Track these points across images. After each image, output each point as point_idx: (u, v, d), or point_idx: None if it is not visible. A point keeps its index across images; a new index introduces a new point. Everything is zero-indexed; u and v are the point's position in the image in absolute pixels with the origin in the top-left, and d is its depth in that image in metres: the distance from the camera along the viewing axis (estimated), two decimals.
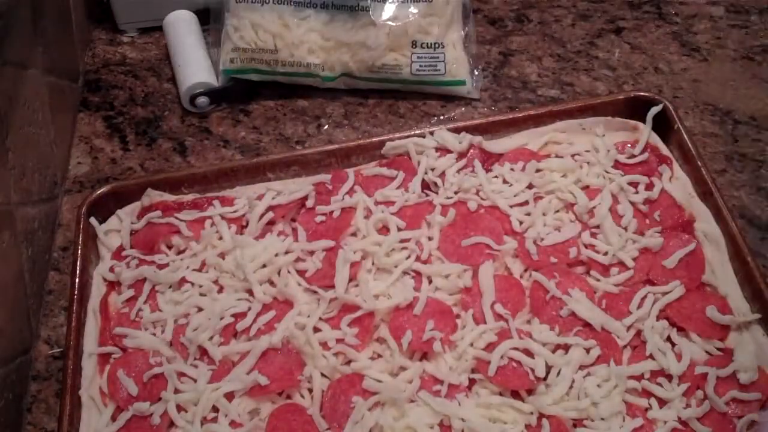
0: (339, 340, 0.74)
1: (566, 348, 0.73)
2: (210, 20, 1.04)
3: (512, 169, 0.86)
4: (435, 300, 0.77)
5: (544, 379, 0.72)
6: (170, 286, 0.80)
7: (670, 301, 0.76)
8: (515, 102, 1.01)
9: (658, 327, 0.74)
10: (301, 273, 0.80)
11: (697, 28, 1.08)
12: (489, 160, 0.88)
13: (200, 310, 0.78)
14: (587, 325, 0.74)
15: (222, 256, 0.81)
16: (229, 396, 0.72)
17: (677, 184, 0.84)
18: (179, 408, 0.72)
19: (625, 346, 0.74)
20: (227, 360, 0.75)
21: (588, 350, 0.73)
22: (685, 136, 0.86)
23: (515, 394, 0.72)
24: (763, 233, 0.86)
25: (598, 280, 0.78)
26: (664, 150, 0.87)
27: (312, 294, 0.78)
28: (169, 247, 0.84)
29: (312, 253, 0.81)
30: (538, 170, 0.86)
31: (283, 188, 0.86)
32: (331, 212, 0.84)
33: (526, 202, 0.84)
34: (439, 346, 0.73)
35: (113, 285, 0.81)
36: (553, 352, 0.73)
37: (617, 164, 0.86)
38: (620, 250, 0.79)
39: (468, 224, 0.82)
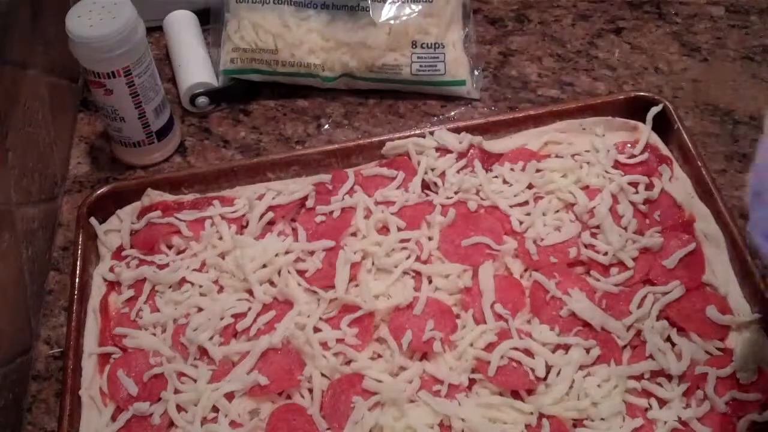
0: (339, 340, 0.75)
1: (566, 348, 0.74)
2: (210, 20, 1.04)
3: (512, 169, 0.86)
4: (435, 300, 0.77)
5: (544, 379, 0.72)
6: (170, 286, 0.80)
7: (670, 301, 0.76)
8: (515, 102, 1.01)
9: (658, 327, 0.74)
10: (301, 273, 0.80)
11: (697, 28, 1.08)
12: (489, 160, 0.88)
13: (200, 310, 0.78)
14: (587, 325, 0.74)
15: (222, 256, 0.81)
16: (229, 396, 0.72)
17: (677, 184, 0.84)
18: (179, 408, 0.72)
19: (625, 346, 0.74)
20: (227, 360, 0.75)
21: (588, 350, 0.73)
22: (685, 136, 0.86)
23: (515, 394, 0.72)
24: None
25: (598, 280, 0.78)
26: (664, 150, 0.87)
27: (312, 294, 0.78)
28: (169, 247, 0.84)
29: (312, 253, 0.81)
30: (538, 170, 0.86)
31: (283, 188, 0.86)
32: (331, 212, 0.84)
33: (526, 202, 0.84)
34: (439, 346, 0.73)
35: (113, 285, 0.81)
36: (553, 352, 0.73)
37: (617, 164, 0.86)
38: (620, 250, 0.79)
39: (468, 224, 0.82)
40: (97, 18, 0.84)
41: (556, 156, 0.87)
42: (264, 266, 0.80)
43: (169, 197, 0.86)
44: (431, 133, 0.89)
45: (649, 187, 0.84)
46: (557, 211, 0.84)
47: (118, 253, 0.83)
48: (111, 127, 0.93)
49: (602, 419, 0.69)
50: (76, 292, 0.78)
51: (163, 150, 0.96)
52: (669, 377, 0.71)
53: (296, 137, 0.99)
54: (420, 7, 0.97)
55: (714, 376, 0.70)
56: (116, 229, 0.85)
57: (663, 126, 0.88)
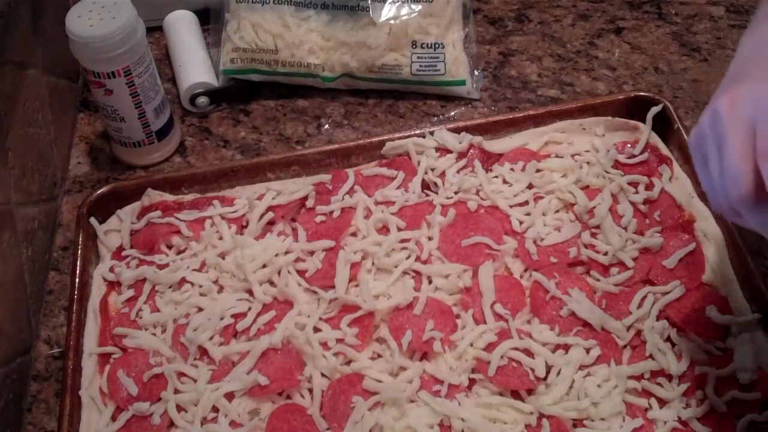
0: (339, 340, 0.75)
1: (566, 348, 0.73)
2: (210, 20, 1.04)
3: (512, 169, 0.86)
4: (435, 300, 0.77)
5: (544, 379, 0.72)
6: (170, 286, 0.80)
7: (670, 301, 0.76)
8: (515, 102, 1.01)
9: (658, 327, 0.74)
10: (301, 273, 0.80)
11: (697, 28, 1.08)
12: (489, 160, 0.88)
13: (200, 310, 0.78)
14: (587, 325, 0.74)
15: (222, 256, 0.81)
16: (229, 396, 0.72)
17: (677, 184, 0.84)
18: (179, 408, 0.72)
19: (625, 346, 0.74)
20: (227, 360, 0.75)
21: (588, 350, 0.73)
22: (685, 136, 0.86)
23: (515, 394, 0.72)
24: None
25: (598, 280, 0.78)
26: (664, 150, 0.87)
27: (312, 294, 0.78)
28: (169, 247, 0.84)
29: (312, 253, 0.81)
30: (538, 170, 0.86)
31: (283, 188, 0.86)
32: (331, 212, 0.84)
33: (526, 202, 0.84)
34: (439, 346, 0.73)
35: (113, 285, 0.81)
36: (553, 352, 0.73)
37: (617, 164, 0.86)
38: (620, 250, 0.79)
39: (468, 224, 0.82)
40: (97, 18, 0.84)
41: (556, 156, 0.87)
42: (264, 266, 0.80)
43: (169, 197, 0.86)
44: (431, 133, 0.89)
45: (649, 187, 0.84)
46: (557, 211, 0.84)
47: (118, 253, 0.83)
48: (111, 127, 0.93)
49: (602, 419, 0.69)
50: (76, 292, 0.78)
51: (163, 150, 0.96)
52: (669, 377, 0.71)
53: (296, 137, 0.99)
54: (420, 7, 0.97)
55: (714, 376, 0.70)
56: (116, 229, 0.85)
57: (663, 126, 0.88)
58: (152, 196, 0.86)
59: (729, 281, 0.77)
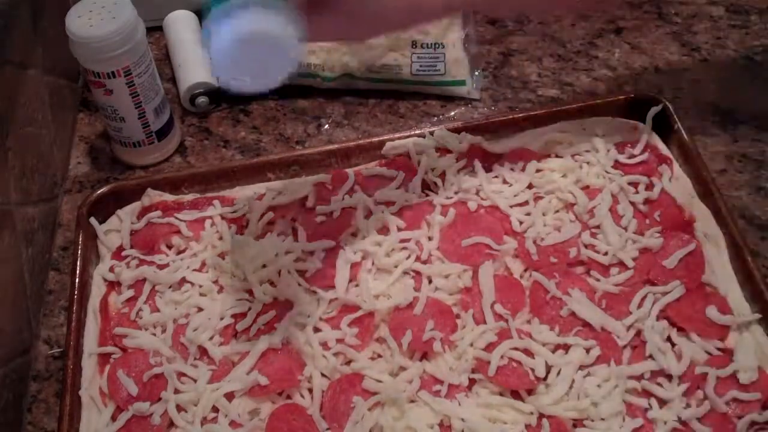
0: (339, 340, 0.75)
1: (566, 348, 0.73)
2: None
3: (512, 169, 0.86)
4: (435, 300, 0.77)
5: (544, 379, 0.72)
6: (170, 286, 0.80)
7: (670, 301, 0.76)
8: (515, 102, 1.01)
9: (658, 327, 0.74)
10: (301, 273, 0.80)
11: (697, 28, 1.08)
12: (489, 160, 0.88)
13: (200, 310, 0.78)
14: (587, 325, 0.74)
15: (222, 256, 0.81)
16: (229, 396, 0.72)
17: (677, 184, 0.84)
18: (179, 408, 0.72)
19: (625, 346, 0.74)
20: (227, 360, 0.75)
21: (588, 350, 0.73)
22: (685, 136, 0.86)
23: (515, 394, 0.72)
24: (763, 233, 0.86)
25: (598, 280, 0.78)
26: (664, 150, 0.87)
27: (312, 294, 0.78)
28: (169, 247, 0.84)
29: (312, 253, 0.81)
30: (538, 170, 0.86)
31: (283, 188, 0.86)
32: (331, 212, 0.84)
33: (526, 202, 0.84)
34: (439, 346, 0.73)
35: (113, 285, 0.81)
36: (553, 352, 0.73)
37: (617, 164, 0.86)
38: (620, 250, 0.79)
39: (468, 224, 0.82)
40: (97, 18, 0.84)
41: (556, 156, 0.87)
42: (264, 266, 0.80)
43: (169, 197, 0.86)
44: (431, 133, 0.89)
45: (649, 187, 0.84)
46: (557, 211, 0.84)
47: (118, 253, 0.83)
48: (111, 127, 0.93)
49: (602, 419, 0.69)
50: (76, 292, 0.78)
51: (163, 150, 0.96)
52: (669, 377, 0.71)
53: (296, 137, 0.99)
54: None
55: (714, 376, 0.70)
56: (116, 229, 0.85)
57: (663, 126, 0.88)
58: (152, 196, 0.86)
59: (729, 281, 0.77)
